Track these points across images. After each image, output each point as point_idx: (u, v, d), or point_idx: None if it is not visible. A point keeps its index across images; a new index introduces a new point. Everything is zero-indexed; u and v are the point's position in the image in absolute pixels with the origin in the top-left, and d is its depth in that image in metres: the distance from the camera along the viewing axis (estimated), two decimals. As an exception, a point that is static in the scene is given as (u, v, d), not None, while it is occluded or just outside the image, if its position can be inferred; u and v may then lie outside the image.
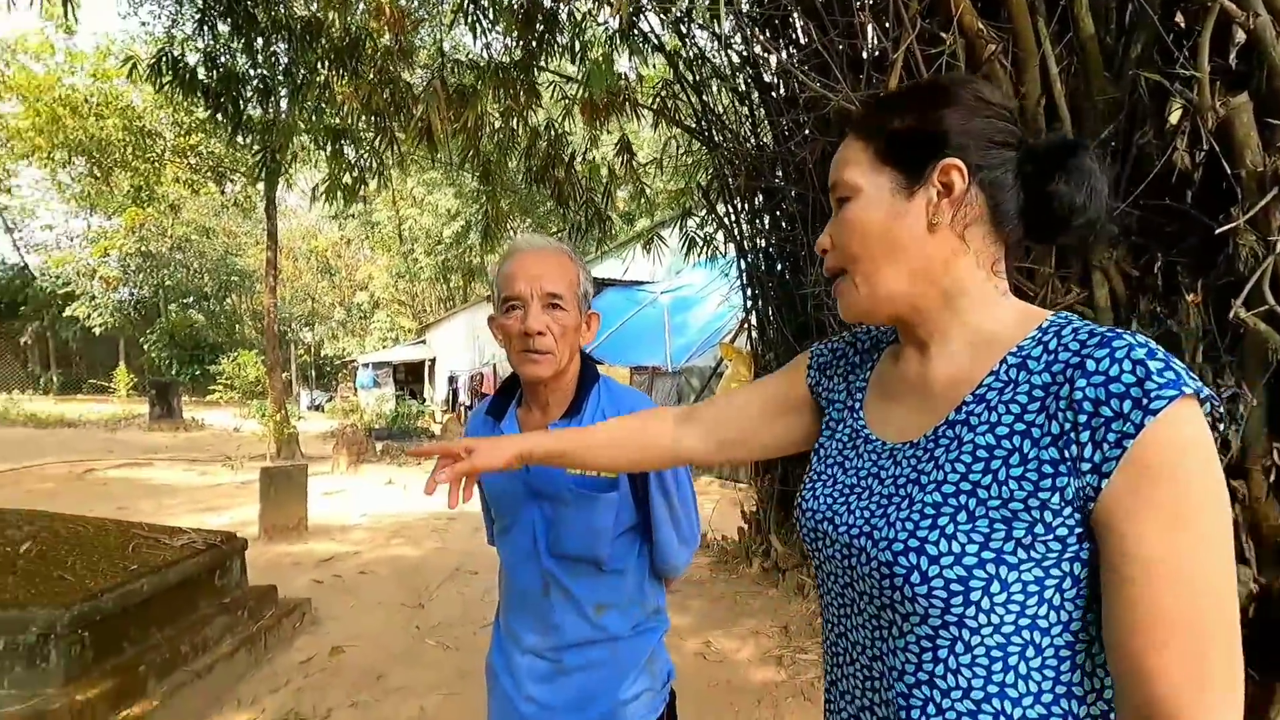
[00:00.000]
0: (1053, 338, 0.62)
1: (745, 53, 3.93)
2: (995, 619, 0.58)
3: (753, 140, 4.23)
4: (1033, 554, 0.57)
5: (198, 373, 20.69)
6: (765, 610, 3.96)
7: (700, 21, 4.11)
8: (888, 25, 2.41)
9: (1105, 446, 0.54)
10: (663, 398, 8.82)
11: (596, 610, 1.15)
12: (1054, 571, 0.57)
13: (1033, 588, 0.58)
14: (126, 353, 20.51)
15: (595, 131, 4.10)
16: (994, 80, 2.13)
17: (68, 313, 18.96)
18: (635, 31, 4.07)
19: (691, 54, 4.22)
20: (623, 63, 4.15)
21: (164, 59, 4.19)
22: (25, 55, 14.52)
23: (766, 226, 4.32)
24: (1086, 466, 0.55)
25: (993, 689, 0.60)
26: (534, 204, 14.12)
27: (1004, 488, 0.59)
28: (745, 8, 3.54)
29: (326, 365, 28.07)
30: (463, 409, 16.23)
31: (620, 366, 9.57)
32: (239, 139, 4.57)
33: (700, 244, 4.93)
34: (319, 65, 4.14)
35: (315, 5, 4.09)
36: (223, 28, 4.29)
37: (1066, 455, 0.56)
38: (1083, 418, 0.56)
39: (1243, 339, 1.93)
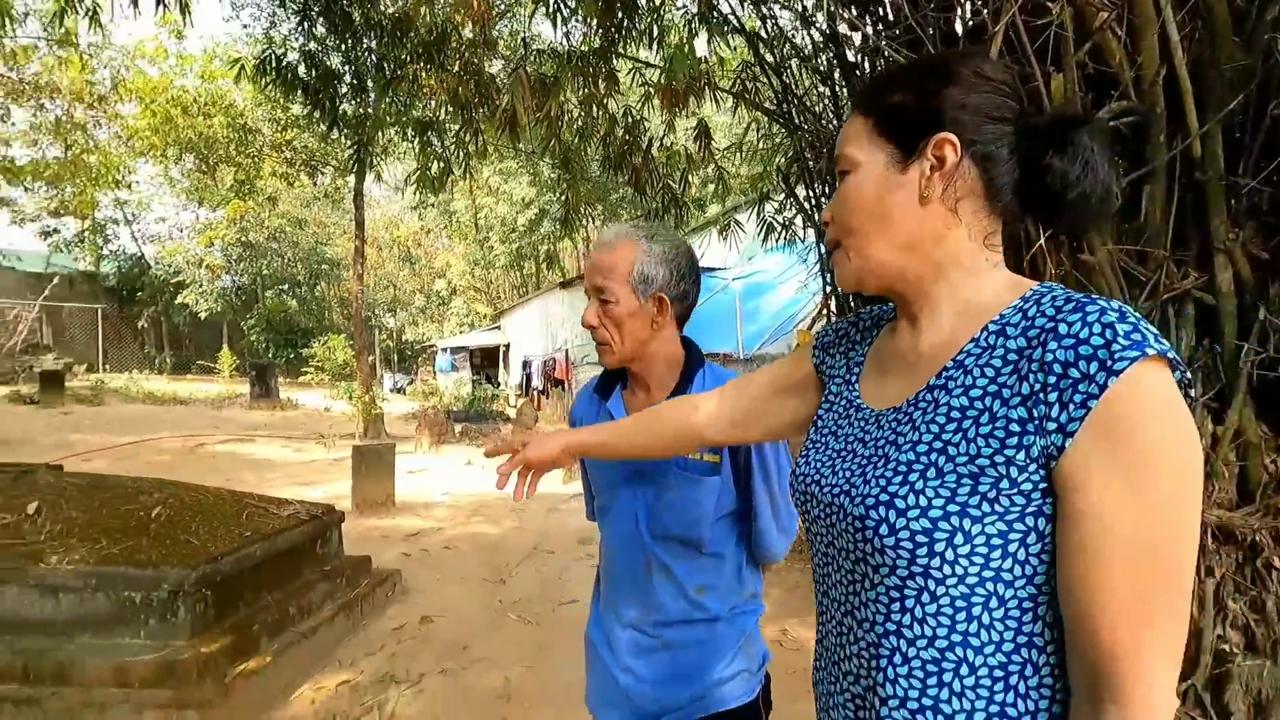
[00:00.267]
0: (1032, 305, 0.63)
1: (828, 29, 3.81)
2: (960, 570, 0.61)
3: (835, 122, 4.11)
4: (996, 508, 0.60)
5: (291, 356, 21.98)
6: (842, 601, 3.91)
7: (782, 0, 4.01)
8: (987, -4, 2.29)
9: (1071, 407, 0.56)
10: (735, 385, 8.75)
11: (697, 591, 1.18)
12: (1017, 526, 0.60)
13: (996, 541, 0.60)
14: (229, 336, 22.01)
15: (674, 117, 4.09)
16: (1107, 51, 2.00)
17: (179, 300, 20.50)
18: (714, 13, 4.02)
19: (771, 34, 4.13)
20: (701, 45, 4.11)
21: (268, 59, 4.47)
22: (142, 60, 15.70)
23: (848, 210, 4.19)
24: (1052, 426, 0.57)
25: (956, 638, 0.62)
26: (606, 191, 14.20)
27: (972, 445, 0.61)
28: (830, -17, 3.43)
29: (407, 350, 29.25)
30: (536, 393, 16.62)
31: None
32: (334, 134, 4.81)
33: (778, 229, 4.85)
34: (407, 60, 4.30)
35: (405, 2, 4.24)
36: (320, 30, 4.50)
37: (1034, 415, 0.58)
38: (1052, 379, 0.57)
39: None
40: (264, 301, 22.62)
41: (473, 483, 7.77)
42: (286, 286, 23.22)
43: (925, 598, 0.63)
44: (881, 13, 3.52)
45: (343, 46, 4.51)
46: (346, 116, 4.67)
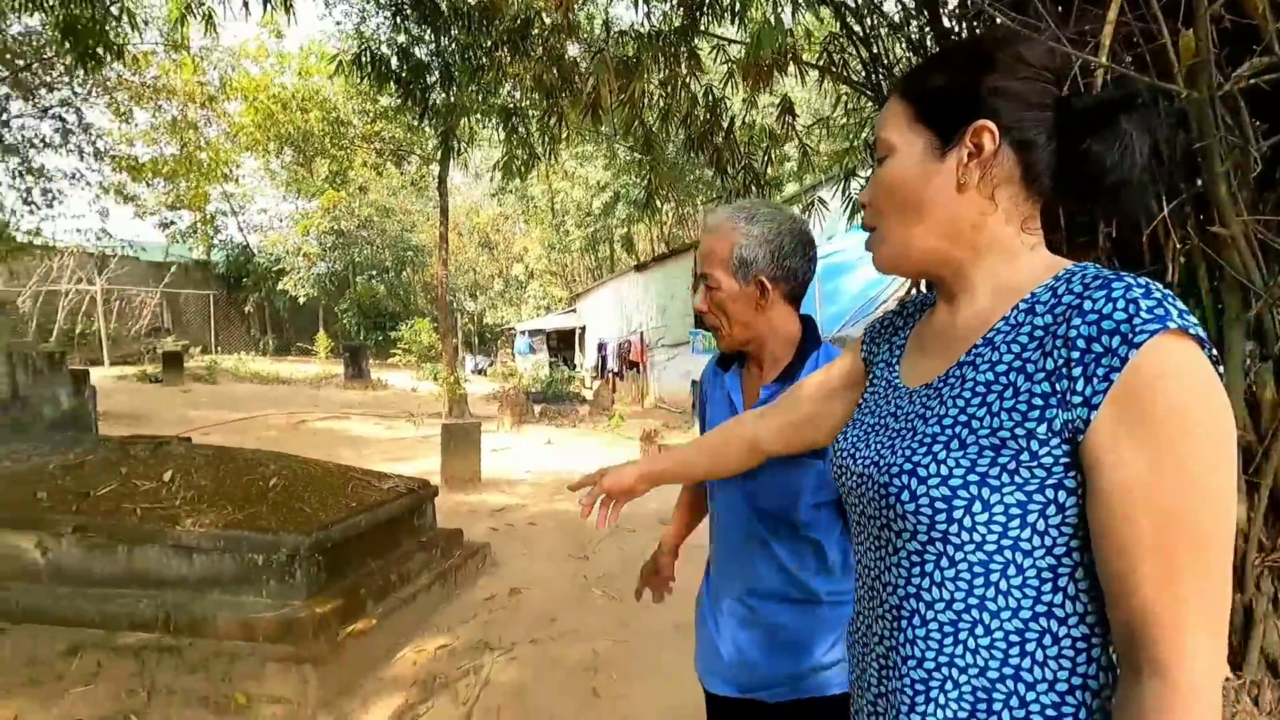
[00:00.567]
0: (1063, 284, 0.64)
1: (922, -6, 3.62)
2: (978, 537, 0.63)
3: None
4: (1016, 479, 0.62)
5: (380, 338, 23.14)
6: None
7: (872, -34, 3.84)
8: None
9: (1095, 380, 0.57)
10: (814, 368, 8.59)
11: (796, 570, 1.18)
12: (1037, 497, 0.61)
13: (1015, 510, 0.62)
14: (324, 320, 23.34)
15: (757, 94, 4.01)
16: (1247, 2, 1.82)
17: (280, 286, 21.89)
18: (800, -15, 3.90)
19: (860, 2, 3.97)
20: (787, 18, 3.99)
21: (363, 54, 4.68)
22: (246, 60, 16.74)
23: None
24: (1077, 400, 0.58)
25: (973, 601, 0.65)
26: (682, 173, 14.11)
27: (995, 419, 0.63)
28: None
29: (487, 333, 30.18)
30: (611, 375, 16.82)
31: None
32: (425, 124, 4.99)
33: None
34: (493, 48, 4.40)
35: (489, -10, 4.33)
36: (410, 23, 4.66)
37: (1057, 389, 0.60)
38: (1075, 354, 0.59)
39: None
40: (355, 287, 23.83)
41: (553, 462, 7.98)
42: (375, 272, 24.35)
43: (944, 563, 0.66)
44: (982, -27, 3.32)
45: (431, 38, 4.65)
46: (436, 106, 4.82)
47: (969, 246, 0.70)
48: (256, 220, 28.81)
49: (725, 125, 4.58)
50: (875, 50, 4.10)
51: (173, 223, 21.46)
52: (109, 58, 4.26)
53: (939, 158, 0.69)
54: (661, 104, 4.29)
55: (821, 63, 4.22)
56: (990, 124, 0.66)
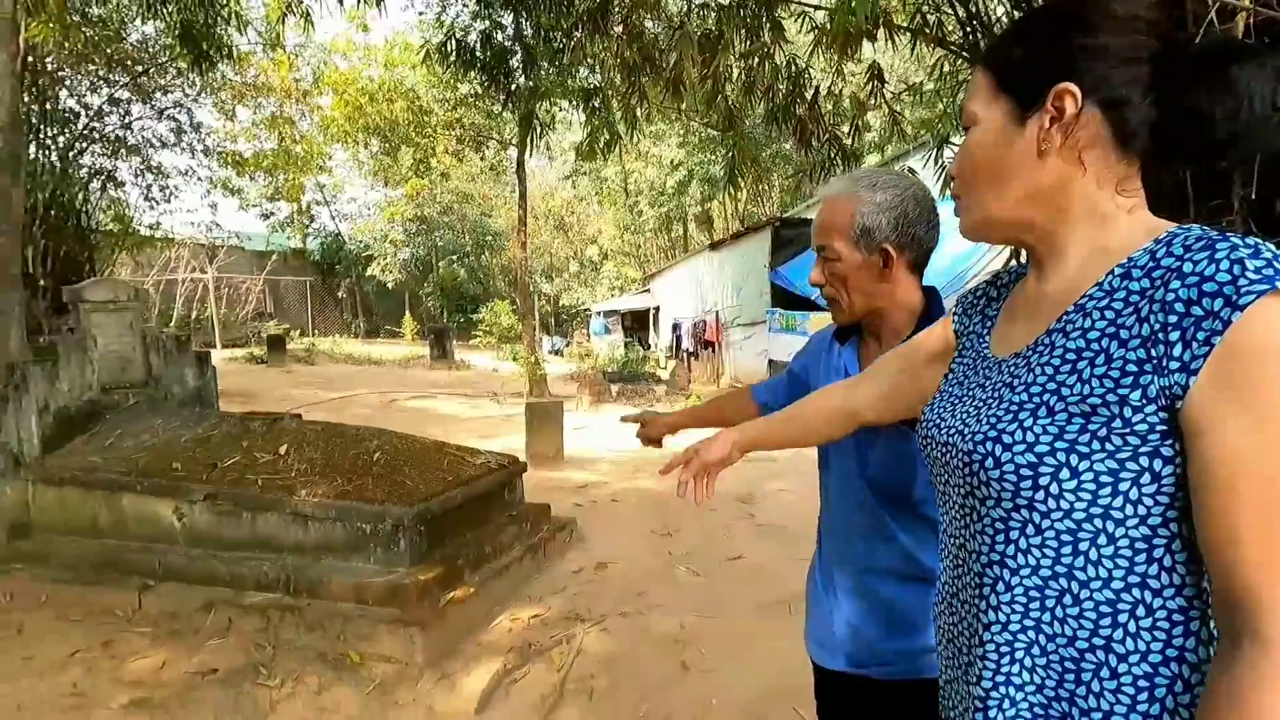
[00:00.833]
0: (1163, 247, 0.62)
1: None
2: (1065, 504, 0.62)
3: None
4: (1108, 446, 0.60)
5: (462, 320, 24.00)
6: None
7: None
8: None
9: (1194, 345, 0.55)
10: (899, 346, 8.30)
11: (913, 548, 1.16)
12: (1130, 465, 0.60)
13: (1105, 479, 0.61)
14: (410, 303, 24.39)
15: (844, 62, 3.86)
16: None
17: (368, 271, 23.01)
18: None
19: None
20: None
21: (448, 42, 4.81)
22: (336, 55, 17.54)
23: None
24: (1175, 365, 0.57)
25: (1061, 569, 0.64)
26: (759, 148, 13.82)
27: (1085, 385, 0.62)
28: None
29: (563, 314, 30.74)
30: (686, 355, 16.81)
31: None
32: (508, 108, 5.10)
33: (958, 176, 4.47)
34: (574, 29, 4.42)
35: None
36: (493, 9, 4.74)
37: (1153, 355, 0.58)
38: (1173, 318, 0.57)
39: None
40: (437, 271, 24.74)
41: (632, 440, 8.05)
42: (456, 257, 25.19)
43: (1030, 529, 0.65)
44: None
45: (514, 22, 4.73)
46: (518, 90, 4.91)
47: (1056, 212, 0.68)
48: (347, 209, 30.41)
49: (809, 97, 4.45)
50: (973, 8, 3.87)
51: (273, 214, 22.86)
52: (220, 59, 4.55)
53: (1019, 124, 0.68)
54: (743, 78, 4.20)
55: (914, 25, 4.02)
56: (1071, 86, 0.64)
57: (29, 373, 3.64)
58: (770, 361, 12.07)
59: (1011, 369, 0.71)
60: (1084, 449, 0.61)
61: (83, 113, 10.68)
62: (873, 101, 4.21)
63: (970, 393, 0.76)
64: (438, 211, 23.42)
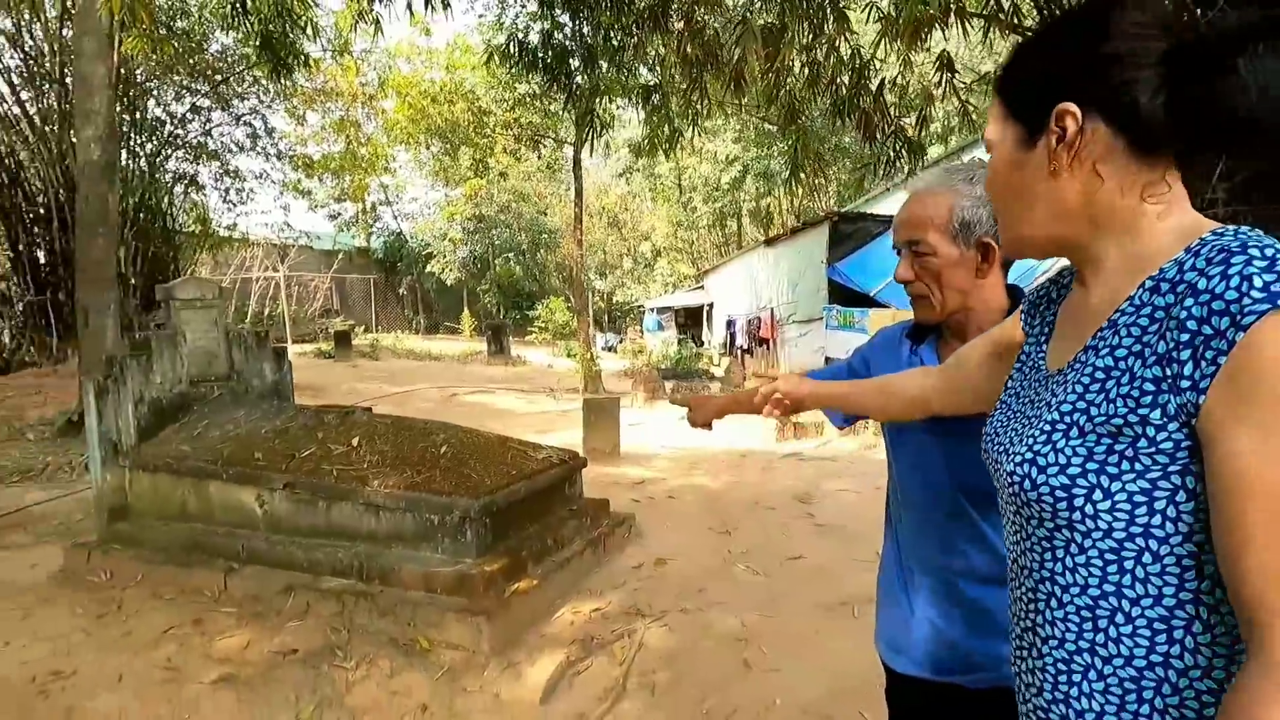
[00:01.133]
0: (1190, 258, 0.61)
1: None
2: (1104, 524, 0.63)
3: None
4: (1136, 466, 0.61)
5: (518, 316, 24.42)
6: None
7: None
8: None
9: (1203, 364, 0.57)
10: (965, 344, 8.03)
11: (1003, 549, 1.12)
12: (1162, 484, 0.60)
13: (1139, 498, 0.61)
14: (468, 300, 24.95)
15: (911, 52, 3.75)
16: None
17: (428, 269, 23.65)
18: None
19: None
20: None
21: (510, 43, 4.89)
22: (400, 59, 18.08)
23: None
24: (1186, 384, 0.58)
25: (1109, 588, 0.64)
26: (820, 141, 13.59)
27: (1111, 405, 0.63)
28: None
29: (617, 311, 30.90)
30: (740, 352, 16.67)
31: (907, 310, 8.93)
32: (568, 108, 5.16)
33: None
34: (634, 26, 4.43)
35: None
36: (554, 9, 4.80)
37: (1167, 373, 0.59)
38: (1185, 336, 0.58)
39: None
40: (494, 268, 25.22)
41: (688, 437, 8.07)
42: (513, 254, 25.61)
43: (1074, 549, 0.66)
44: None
45: (573, 22, 4.77)
46: (579, 88, 4.96)
47: (1084, 225, 0.69)
48: (408, 209, 31.28)
49: (874, 89, 4.34)
50: (1052, -9, 3.70)
51: (339, 214, 23.73)
52: (297, 66, 4.76)
53: (1030, 148, 0.70)
54: (807, 71, 4.13)
55: (987, 11, 3.87)
56: (1069, 105, 0.65)
57: (126, 366, 3.88)
58: (826, 359, 11.85)
59: (1054, 386, 0.72)
60: (1113, 470, 0.62)
61: (168, 120, 11.34)
62: (941, 92, 4.08)
63: (1021, 409, 0.77)
64: (495, 210, 23.87)
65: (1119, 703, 0.65)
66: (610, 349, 22.82)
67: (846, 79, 4.37)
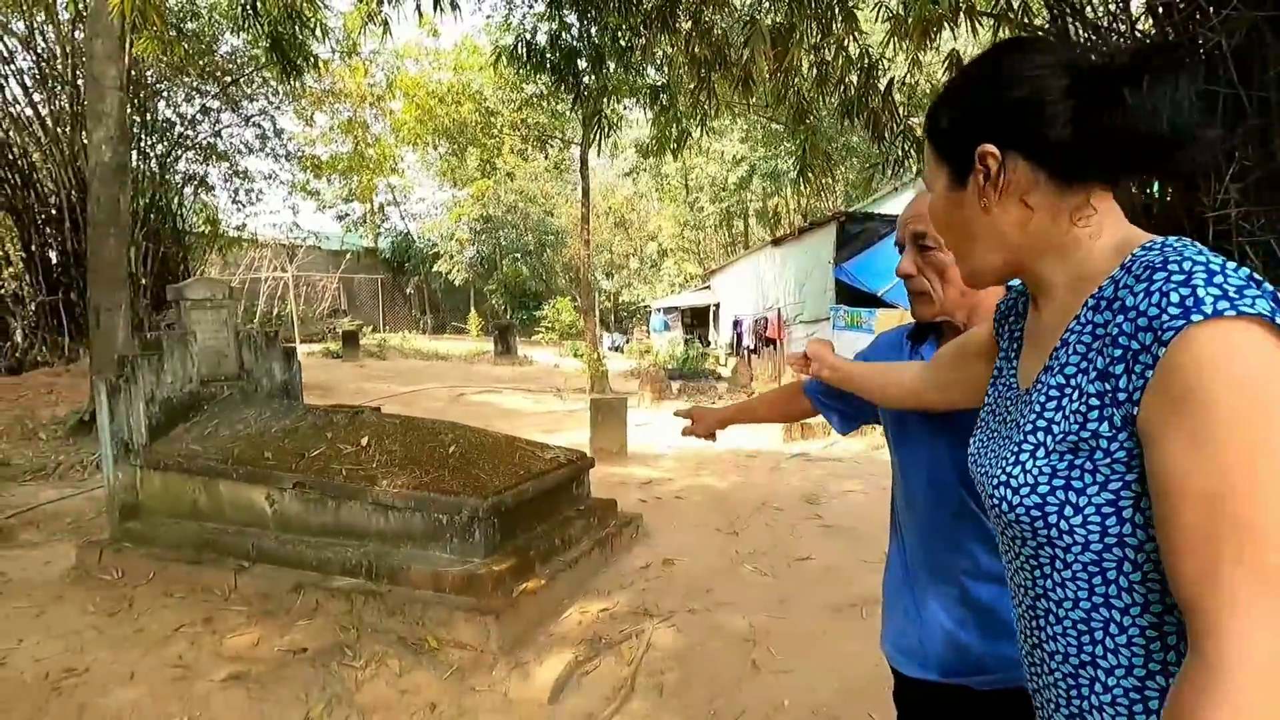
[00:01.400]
0: (1124, 274, 0.64)
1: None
2: (1080, 538, 0.65)
3: (1122, 30, 3.46)
4: (1098, 478, 0.63)
5: (525, 316, 24.47)
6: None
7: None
8: None
9: (1134, 376, 0.59)
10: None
11: None
12: (1125, 494, 0.62)
13: (1107, 509, 0.63)
14: (475, 300, 25.03)
15: (921, 51, 3.74)
16: None
17: (435, 269, 23.72)
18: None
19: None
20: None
21: (518, 44, 4.90)
22: (408, 60, 18.15)
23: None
24: (1123, 396, 0.60)
25: (1098, 599, 0.66)
26: (829, 141, 13.56)
27: (1067, 421, 0.65)
28: None
29: (623, 311, 30.93)
30: (747, 352, 16.65)
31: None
32: (575, 108, 5.16)
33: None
34: (642, 26, 4.43)
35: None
36: (561, 10, 4.81)
37: (1107, 387, 0.61)
38: (1118, 351, 0.60)
39: None
40: (501, 269, 25.28)
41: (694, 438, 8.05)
42: (519, 255, 25.67)
43: (1059, 564, 0.67)
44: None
45: (581, 22, 4.78)
46: (587, 89, 4.97)
47: (1026, 253, 0.72)
48: (416, 209, 31.43)
49: (883, 88, 4.33)
50: (1062, -11, 3.67)
51: (347, 214, 23.83)
52: (307, 68, 4.78)
53: (961, 187, 0.73)
54: (815, 71, 4.12)
55: (997, 10, 3.85)
56: (989, 147, 0.68)
57: (138, 365, 3.91)
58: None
59: (1023, 406, 0.74)
60: (1079, 484, 0.64)
61: (178, 122, 11.42)
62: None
63: (998, 428, 0.80)
64: (502, 210, 23.94)
65: (1127, 713, 0.65)
66: (617, 349, 22.83)
67: (855, 78, 4.36)
